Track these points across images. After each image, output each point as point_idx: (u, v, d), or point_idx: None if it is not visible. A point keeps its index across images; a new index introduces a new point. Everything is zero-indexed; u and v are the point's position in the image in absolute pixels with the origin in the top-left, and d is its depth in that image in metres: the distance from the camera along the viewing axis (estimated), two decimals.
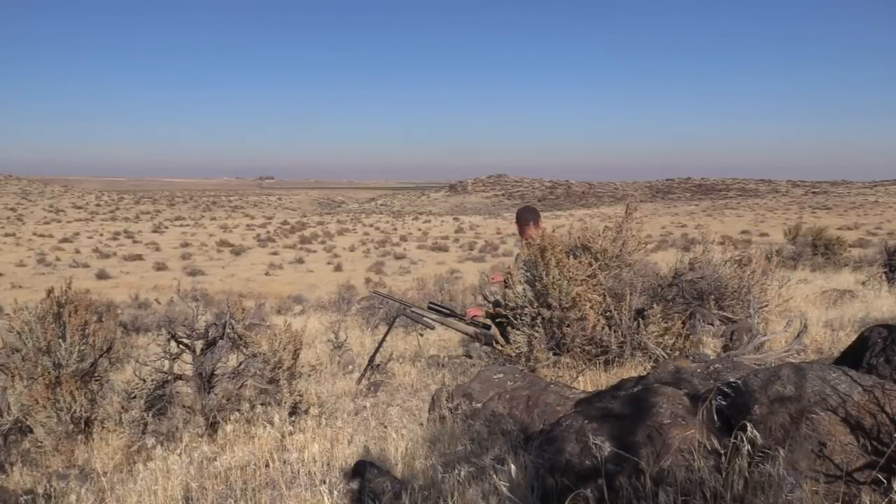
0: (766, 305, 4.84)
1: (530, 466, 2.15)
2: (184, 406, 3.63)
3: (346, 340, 5.77)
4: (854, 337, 2.80)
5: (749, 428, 1.75)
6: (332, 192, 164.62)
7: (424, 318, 4.68)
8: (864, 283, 8.18)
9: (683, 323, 4.21)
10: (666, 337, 3.99)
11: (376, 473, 2.45)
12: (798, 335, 3.76)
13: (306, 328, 4.74)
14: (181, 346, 3.76)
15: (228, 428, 3.28)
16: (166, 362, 3.75)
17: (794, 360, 3.23)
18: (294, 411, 3.58)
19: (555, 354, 4.04)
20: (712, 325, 4.38)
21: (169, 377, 3.74)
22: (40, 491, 2.90)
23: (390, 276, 27.66)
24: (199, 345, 3.73)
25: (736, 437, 1.77)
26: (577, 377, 3.85)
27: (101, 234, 47.54)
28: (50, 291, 3.79)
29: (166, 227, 55.48)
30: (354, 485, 2.46)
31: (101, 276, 28.12)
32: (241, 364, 3.78)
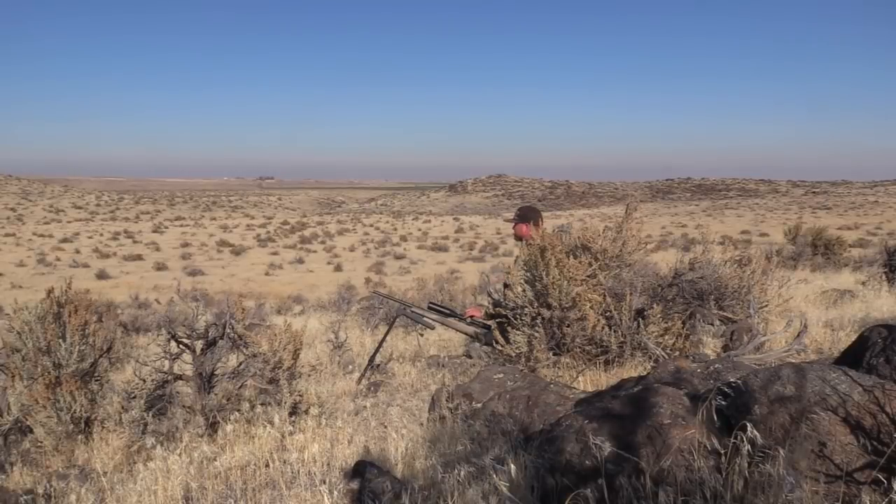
0: (766, 305, 4.84)
1: (530, 466, 2.15)
2: (184, 406, 3.63)
3: (346, 340, 5.77)
4: (854, 337, 2.80)
5: (749, 428, 1.75)
6: (332, 192, 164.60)
7: (424, 318, 4.68)
8: (864, 283, 8.17)
9: (683, 323, 4.21)
10: (666, 337, 3.99)
11: (376, 473, 2.45)
12: (798, 335, 3.76)
13: (306, 328, 4.74)
14: (181, 346, 3.76)
15: (228, 428, 3.28)
16: (166, 362, 3.74)
17: (794, 360, 3.23)
18: (294, 411, 3.58)
19: (555, 354, 4.04)
20: (712, 325, 4.38)
21: (169, 377, 3.74)
22: (40, 491, 2.90)
23: (390, 276, 27.66)
24: (199, 345, 3.73)
25: (736, 437, 1.77)
26: (577, 377, 3.85)
27: (101, 234, 47.53)
28: (50, 291, 3.79)
29: (166, 227, 55.47)
30: (354, 485, 2.46)
31: (101, 276, 28.12)
32: (241, 364, 3.78)
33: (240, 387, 3.68)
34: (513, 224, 4.94)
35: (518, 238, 4.82)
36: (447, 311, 4.75)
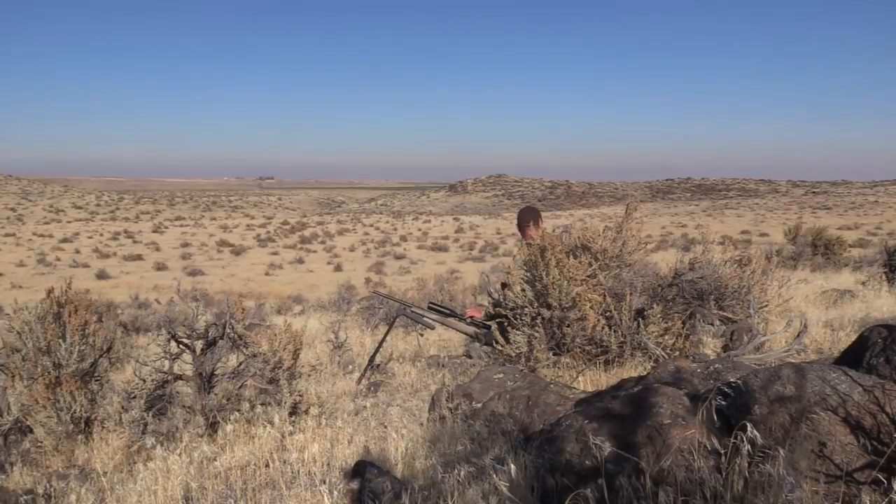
0: (766, 305, 4.84)
1: (530, 466, 2.15)
2: (184, 406, 3.63)
3: (346, 340, 5.77)
4: (854, 337, 2.80)
5: (749, 428, 1.75)
6: (332, 192, 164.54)
7: (424, 318, 4.68)
8: (864, 283, 8.17)
9: (683, 323, 4.21)
10: (666, 337, 3.99)
11: (376, 473, 2.45)
12: (798, 335, 3.76)
13: (306, 328, 4.74)
14: (181, 346, 3.76)
15: (228, 428, 3.28)
16: (166, 362, 3.75)
17: (794, 360, 3.23)
18: (294, 411, 3.58)
19: (555, 354, 4.04)
20: (712, 325, 4.38)
21: (169, 377, 3.74)
22: (40, 491, 2.90)
23: (390, 276, 27.66)
24: (199, 345, 3.73)
25: (736, 437, 1.77)
26: (577, 377, 3.85)
27: (101, 234, 47.53)
28: (50, 291, 3.79)
29: (166, 227, 55.47)
30: (354, 485, 2.46)
31: (101, 276, 28.13)
32: (241, 364, 3.78)
33: (240, 387, 3.68)
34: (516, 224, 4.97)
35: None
36: (447, 311, 4.75)
